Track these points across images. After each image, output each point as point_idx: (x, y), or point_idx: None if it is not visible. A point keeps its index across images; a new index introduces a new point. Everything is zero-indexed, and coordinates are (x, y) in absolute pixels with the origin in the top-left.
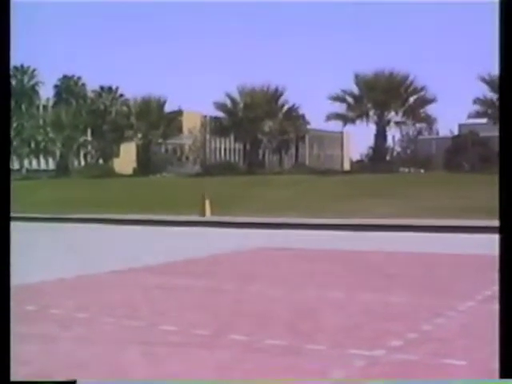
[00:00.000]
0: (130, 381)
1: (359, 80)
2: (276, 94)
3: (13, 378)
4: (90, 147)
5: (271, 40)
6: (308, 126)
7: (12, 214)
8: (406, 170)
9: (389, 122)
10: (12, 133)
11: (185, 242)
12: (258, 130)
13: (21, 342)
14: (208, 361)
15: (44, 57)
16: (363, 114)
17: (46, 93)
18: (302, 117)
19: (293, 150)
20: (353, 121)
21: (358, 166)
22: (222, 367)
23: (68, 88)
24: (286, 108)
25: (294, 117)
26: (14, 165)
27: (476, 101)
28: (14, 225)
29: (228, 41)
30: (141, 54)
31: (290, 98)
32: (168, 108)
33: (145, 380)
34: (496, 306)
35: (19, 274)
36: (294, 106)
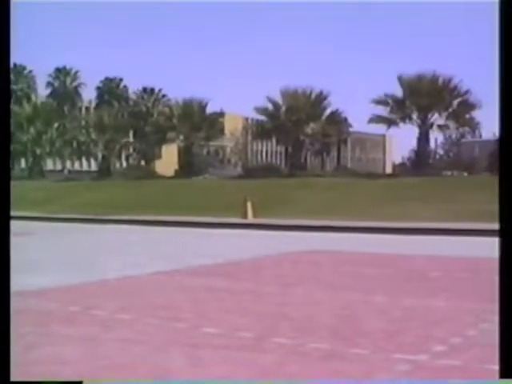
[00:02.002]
0: (133, 381)
1: (402, 83)
2: (319, 97)
3: (53, 378)
4: (131, 149)
5: (313, 43)
6: (350, 129)
7: (53, 215)
8: (449, 173)
9: (432, 124)
10: (54, 134)
11: (226, 245)
12: (300, 133)
13: (65, 343)
14: (252, 364)
15: (85, 58)
16: (406, 117)
17: (89, 95)
18: (345, 120)
19: (335, 153)
20: (396, 123)
21: (401, 169)
22: (265, 371)
23: (110, 90)
24: (328, 111)
25: (336, 120)
26: (57, 166)
27: None
28: (55, 226)
29: (270, 43)
30: (182, 55)
31: (332, 101)
32: (210, 110)
33: (146, 380)
34: None
35: (59, 275)
36: (336, 109)
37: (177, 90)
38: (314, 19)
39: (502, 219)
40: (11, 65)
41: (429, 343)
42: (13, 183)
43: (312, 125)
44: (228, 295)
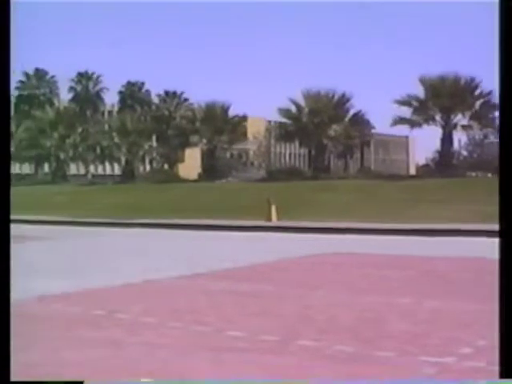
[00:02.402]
0: (133, 381)
1: (425, 84)
2: (341, 99)
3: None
4: (154, 153)
5: (336, 45)
6: (373, 131)
7: (76, 219)
8: (473, 174)
9: (455, 125)
10: (77, 138)
11: (250, 247)
12: (323, 135)
13: (90, 347)
14: (276, 367)
15: (108, 62)
16: (429, 118)
17: (111, 99)
18: (368, 122)
19: (358, 155)
20: (419, 125)
21: (424, 171)
22: (289, 374)
23: (132, 94)
24: (351, 113)
25: (359, 122)
26: (80, 170)
27: None
28: (78, 230)
29: (291, 46)
30: (204, 57)
31: (354, 102)
32: (232, 113)
33: (147, 380)
34: None
35: (82, 279)
36: (359, 110)
37: (198, 93)
38: (334, 19)
39: (502, 220)
40: (33, 69)
41: (454, 345)
42: (36, 188)
43: (335, 127)
44: (251, 298)
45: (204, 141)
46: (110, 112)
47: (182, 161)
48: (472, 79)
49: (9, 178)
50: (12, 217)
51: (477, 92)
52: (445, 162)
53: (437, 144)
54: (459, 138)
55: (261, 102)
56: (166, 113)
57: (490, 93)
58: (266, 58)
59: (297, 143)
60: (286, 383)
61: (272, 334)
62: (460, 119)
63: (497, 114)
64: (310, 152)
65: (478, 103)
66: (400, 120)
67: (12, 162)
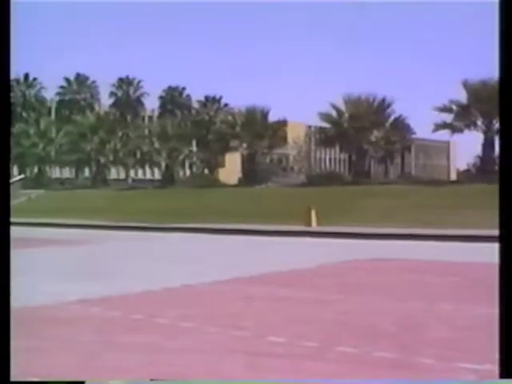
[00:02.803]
0: (136, 381)
1: (466, 88)
2: (382, 104)
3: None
4: (194, 157)
5: (376, 50)
6: (414, 136)
7: (115, 224)
8: None
9: (497, 130)
10: (118, 143)
11: (290, 253)
12: (364, 140)
13: (127, 351)
14: (315, 373)
15: (148, 67)
16: (471, 123)
17: (151, 104)
18: (408, 126)
19: (398, 160)
20: (460, 130)
21: (465, 176)
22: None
23: (173, 99)
24: (392, 118)
25: (400, 127)
26: (120, 175)
27: None
28: (117, 234)
29: (330, 50)
30: (243, 61)
31: (395, 108)
32: (272, 118)
33: (148, 380)
34: None
35: (121, 283)
36: (400, 115)
37: (238, 97)
38: (374, 25)
39: (502, 225)
40: (74, 74)
41: (494, 352)
42: (76, 192)
43: (375, 132)
44: (290, 304)
45: (244, 146)
46: (150, 117)
47: (222, 166)
48: None
49: (8, 180)
50: (51, 221)
51: None
52: (486, 168)
53: (478, 149)
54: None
55: (300, 106)
56: (206, 118)
57: None
58: (306, 62)
59: (337, 148)
60: (285, 383)
61: (311, 339)
62: None
63: None
64: (350, 157)
65: None
66: (441, 125)
67: (52, 166)
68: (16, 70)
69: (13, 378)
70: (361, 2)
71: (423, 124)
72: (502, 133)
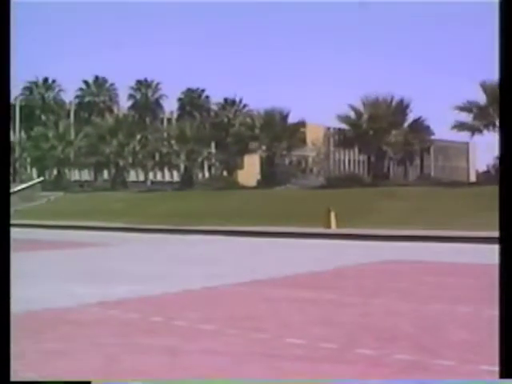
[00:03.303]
0: (139, 381)
1: (485, 89)
2: (400, 105)
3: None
4: (213, 159)
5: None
6: (433, 137)
7: (135, 226)
8: None
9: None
10: (137, 145)
11: (309, 255)
12: (383, 142)
13: (146, 354)
14: (335, 376)
15: (166, 69)
16: (490, 124)
17: (170, 106)
18: (427, 127)
19: (418, 162)
20: (479, 131)
21: (485, 178)
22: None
23: (192, 101)
24: (411, 119)
25: (419, 128)
26: (139, 177)
27: None
28: (137, 236)
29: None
30: (260, 63)
31: (414, 109)
32: (291, 120)
33: (149, 380)
34: None
35: (140, 285)
36: (419, 117)
37: (257, 98)
38: (393, 26)
39: (502, 227)
40: (92, 77)
41: None
42: (96, 194)
43: (394, 133)
44: (310, 305)
45: (263, 147)
46: (169, 119)
47: (241, 167)
48: None
49: (8, 183)
50: (69, 223)
51: None
52: None
53: (497, 151)
54: None
55: (318, 108)
56: (225, 120)
57: None
58: (324, 65)
59: (356, 150)
60: (286, 383)
61: (331, 341)
62: None
63: None
64: (369, 158)
65: None
66: (460, 126)
67: (71, 169)
68: (34, 72)
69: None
70: (370, 2)
71: (442, 125)
72: (502, 133)
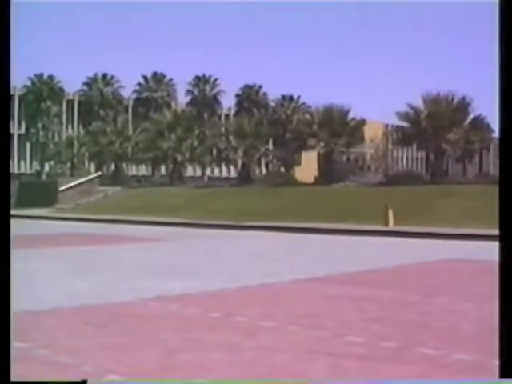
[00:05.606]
0: (136, 381)
1: None
2: (461, 103)
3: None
4: (271, 156)
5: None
6: (493, 135)
7: (192, 221)
8: None
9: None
10: (194, 141)
11: (368, 252)
12: (442, 140)
13: (206, 350)
14: (394, 376)
15: (225, 65)
16: None
17: (228, 102)
18: (488, 125)
19: (477, 159)
20: None
21: None
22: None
23: (249, 97)
24: (471, 117)
25: (479, 126)
26: (197, 172)
27: None
28: (194, 231)
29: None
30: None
31: (475, 106)
32: (350, 116)
33: (149, 380)
34: None
35: (198, 281)
36: (479, 114)
37: (316, 96)
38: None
39: (502, 225)
40: (151, 73)
41: None
42: (153, 189)
43: (454, 131)
44: (370, 303)
45: (321, 144)
46: (226, 115)
47: (299, 164)
48: None
49: (8, 178)
50: (128, 218)
51: None
52: None
53: None
54: None
55: (377, 105)
56: (283, 116)
57: None
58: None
59: (414, 147)
60: (285, 383)
61: (391, 340)
62: None
63: None
64: (427, 156)
65: None
66: None
67: (129, 164)
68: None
69: (93, 376)
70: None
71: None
72: (502, 133)
